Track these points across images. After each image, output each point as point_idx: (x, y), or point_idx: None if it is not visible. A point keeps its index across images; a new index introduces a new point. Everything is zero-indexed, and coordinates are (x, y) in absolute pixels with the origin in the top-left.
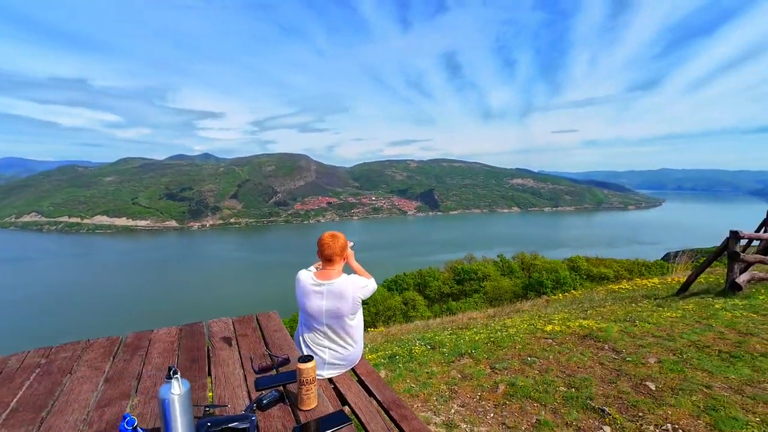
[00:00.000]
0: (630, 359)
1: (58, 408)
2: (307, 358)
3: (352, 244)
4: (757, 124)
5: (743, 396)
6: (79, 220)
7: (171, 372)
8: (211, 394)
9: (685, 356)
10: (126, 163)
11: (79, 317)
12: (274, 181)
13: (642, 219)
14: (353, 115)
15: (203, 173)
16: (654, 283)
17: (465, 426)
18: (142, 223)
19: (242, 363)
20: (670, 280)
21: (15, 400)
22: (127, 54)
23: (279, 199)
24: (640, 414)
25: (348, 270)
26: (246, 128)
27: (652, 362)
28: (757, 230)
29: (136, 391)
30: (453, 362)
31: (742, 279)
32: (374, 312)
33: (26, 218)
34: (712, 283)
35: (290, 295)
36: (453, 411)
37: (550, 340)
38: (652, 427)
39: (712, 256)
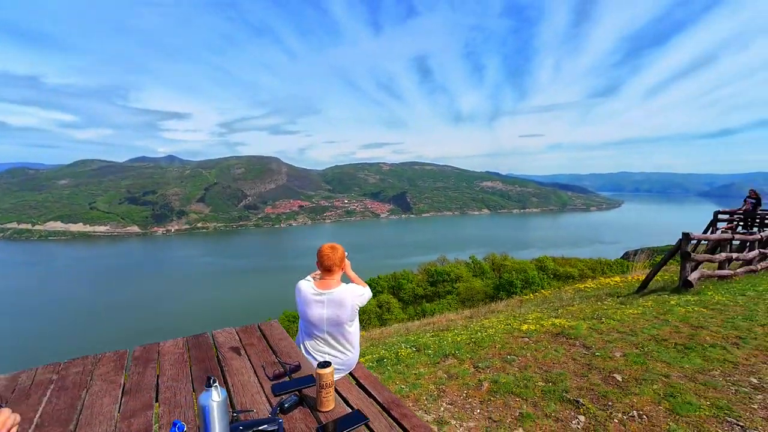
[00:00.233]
0: (599, 354)
1: (84, 421)
2: (326, 364)
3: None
4: (706, 130)
5: (696, 383)
6: (29, 226)
7: (210, 381)
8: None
9: (646, 349)
10: (83, 166)
11: (27, 327)
12: (244, 184)
13: (603, 219)
14: (325, 117)
15: (168, 176)
16: (616, 281)
17: (455, 422)
18: (101, 228)
19: (255, 371)
20: (630, 278)
21: (38, 415)
22: (85, 51)
23: (249, 203)
24: (610, 403)
25: (344, 279)
26: (214, 130)
27: (618, 356)
28: (705, 231)
29: (157, 401)
30: (438, 363)
31: (693, 277)
32: None
33: None
34: (668, 280)
35: (268, 302)
36: (442, 409)
37: (527, 339)
38: (620, 415)
39: (667, 255)
